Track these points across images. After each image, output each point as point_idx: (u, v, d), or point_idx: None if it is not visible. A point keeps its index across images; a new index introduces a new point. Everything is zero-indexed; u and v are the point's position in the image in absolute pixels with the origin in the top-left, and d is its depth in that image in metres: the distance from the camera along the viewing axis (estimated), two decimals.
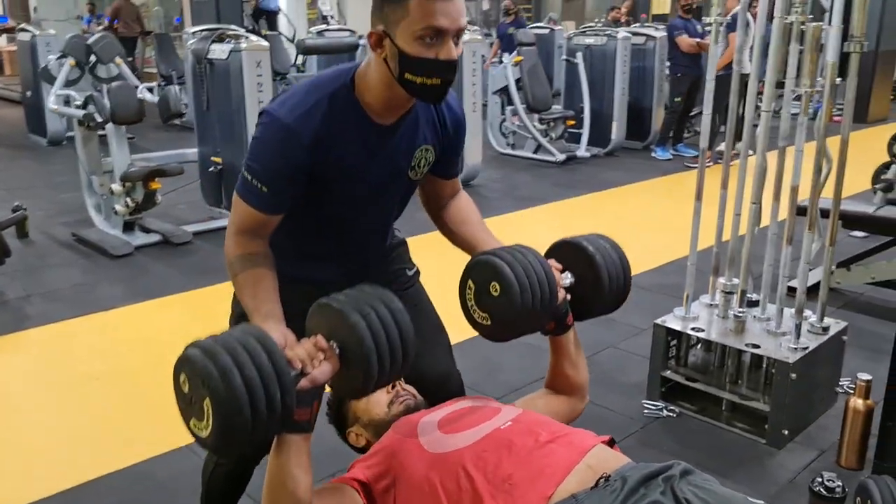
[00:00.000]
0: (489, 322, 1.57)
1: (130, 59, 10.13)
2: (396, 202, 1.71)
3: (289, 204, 1.53)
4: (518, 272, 1.49)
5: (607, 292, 1.68)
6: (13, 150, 7.80)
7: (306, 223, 1.62)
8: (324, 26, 9.82)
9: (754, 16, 3.11)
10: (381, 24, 1.39)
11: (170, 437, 2.42)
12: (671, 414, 2.64)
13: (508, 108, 7.42)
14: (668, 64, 7.39)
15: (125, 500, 2.24)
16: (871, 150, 5.21)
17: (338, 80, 1.50)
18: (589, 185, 6.32)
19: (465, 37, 3.24)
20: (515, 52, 7.38)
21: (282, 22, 11.12)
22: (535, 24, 11.91)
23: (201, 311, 3.68)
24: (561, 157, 7.05)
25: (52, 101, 4.90)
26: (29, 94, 7.98)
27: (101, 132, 4.63)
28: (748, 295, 2.69)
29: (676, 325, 2.69)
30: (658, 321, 2.71)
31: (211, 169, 4.97)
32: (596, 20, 14.91)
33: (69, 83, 5.13)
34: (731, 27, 5.84)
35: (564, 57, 7.76)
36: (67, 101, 4.75)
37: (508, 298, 1.48)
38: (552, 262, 1.63)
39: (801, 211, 2.58)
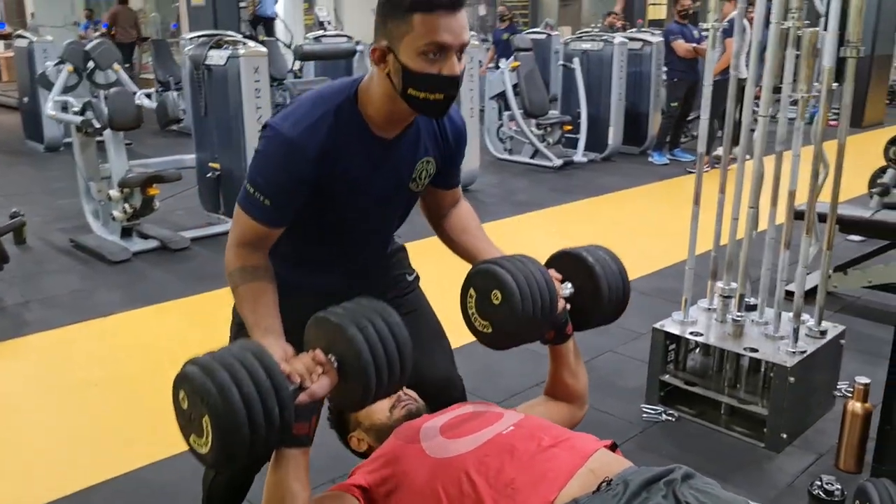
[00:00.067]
0: (490, 330, 1.58)
1: (128, 65, 10.14)
2: (398, 213, 1.72)
3: (291, 217, 1.54)
4: (520, 281, 1.50)
5: (606, 303, 1.70)
6: (10, 157, 7.79)
7: (308, 232, 1.62)
8: (321, 32, 9.83)
9: (750, 21, 3.13)
10: (385, 40, 1.40)
11: (169, 443, 2.41)
12: (670, 418, 2.65)
13: (505, 114, 7.44)
14: (664, 69, 7.42)
15: None
16: (867, 155, 5.22)
17: (341, 93, 1.51)
18: (586, 190, 6.33)
19: None
20: (512, 57, 7.39)
21: (279, 27, 11.14)
22: (531, 30, 11.94)
23: (199, 317, 3.68)
24: (558, 162, 7.07)
25: (49, 107, 4.90)
26: (26, 100, 7.98)
27: (98, 138, 4.63)
28: (746, 299, 2.69)
29: (675, 330, 2.70)
30: (657, 325, 2.72)
31: (209, 175, 4.98)
32: (592, 25, 14.97)
33: (67, 89, 5.13)
34: (727, 32, 5.87)
35: (561, 62, 7.78)
36: (65, 107, 4.75)
37: (510, 307, 1.50)
38: (552, 273, 1.64)
39: (798, 215, 2.58)
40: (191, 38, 5.91)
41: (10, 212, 4.72)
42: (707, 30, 2.68)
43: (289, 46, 10.21)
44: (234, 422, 1.18)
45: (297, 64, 9.60)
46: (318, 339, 1.40)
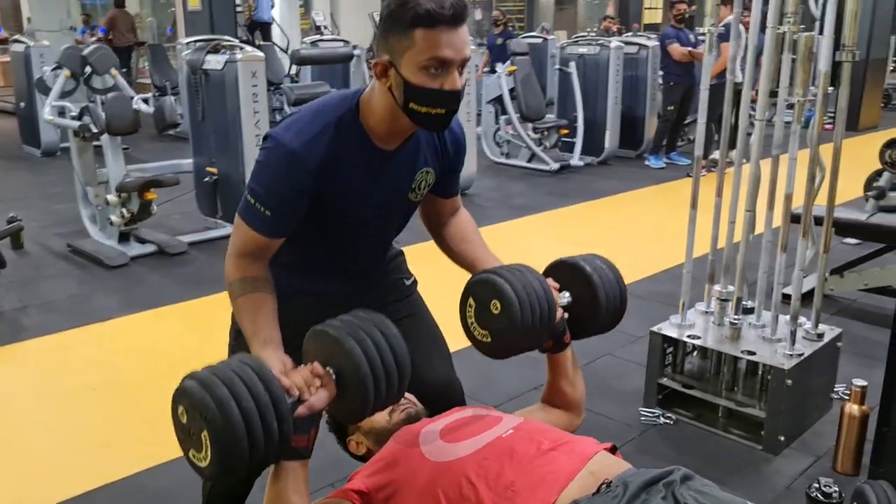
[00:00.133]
0: (489, 339, 1.59)
1: (125, 69, 10.13)
2: (397, 222, 1.74)
3: (292, 227, 1.54)
4: (518, 291, 1.51)
5: (604, 312, 1.71)
6: (7, 162, 7.78)
7: (308, 240, 1.63)
8: (317, 36, 9.85)
9: (746, 26, 3.15)
10: (387, 55, 1.41)
11: (167, 447, 2.40)
12: (668, 421, 2.65)
13: (502, 118, 7.46)
14: (660, 73, 7.44)
15: None
16: (863, 158, 5.25)
17: (343, 105, 1.51)
18: (583, 193, 6.34)
19: None
20: (509, 61, 7.41)
21: (275, 32, 11.15)
22: (527, 34, 11.97)
23: (197, 322, 3.68)
24: (555, 165, 7.09)
25: (47, 112, 4.89)
26: (23, 105, 7.97)
27: (96, 143, 4.63)
28: (743, 302, 2.70)
29: (672, 333, 2.70)
30: (654, 329, 2.73)
31: (206, 179, 4.98)
32: (588, 30, 15.01)
33: (64, 94, 5.12)
34: (723, 37, 5.90)
35: (558, 66, 7.80)
36: (62, 112, 4.75)
37: (509, 316, 1.51)
38: (549, 282, 1.65)
39: (795, 218, 2.60)
40: (188, 43, 5.94)
41: (7, 217, 4.72)
42: (703, 34, 2.68)
43: (285, 51, 10.24)
44: (232, 436, 1.19)
45: (294, 68, 9.62)
46: (316, 351, 1.41)
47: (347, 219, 1.61)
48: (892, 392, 2.16)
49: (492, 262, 1.73)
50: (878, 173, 4.82)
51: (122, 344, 3.42)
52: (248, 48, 4.88)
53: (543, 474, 1.32)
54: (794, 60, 2.46)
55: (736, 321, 2.64)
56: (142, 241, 4.71)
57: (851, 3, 2.35)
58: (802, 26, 2.48)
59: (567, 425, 1.76)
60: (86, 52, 5.01)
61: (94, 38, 10.67)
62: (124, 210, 4.54)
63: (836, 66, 2.43)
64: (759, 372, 2.58)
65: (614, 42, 7.56)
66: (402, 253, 1.92)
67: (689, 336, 2.68)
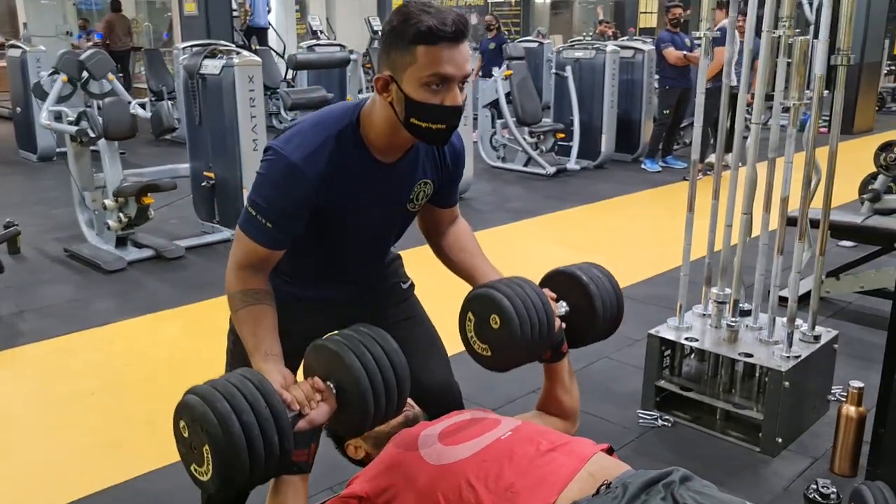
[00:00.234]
0: (489, 353, 1.60)
1: (122, 74, 10.14)
2: (396, 231, 1.75)
3: (292, 239, 1.55)
4: (517, 305, 1.52)
5: (601, 321, 1.72)
6: (3, 167, 7.77)
7: (307, 250, 1.63)
8: (314, 41, 9.87)
9: (739, 31, 3.17)
10: (388, 70, 1.42)
11: (166, 452, 2.40)
12: (666, 423, 2.66)
13: (499, 122, 7.47)
14: (656, 77, 7.47)
15: None
16: (858, 161, 5.27)
17: (344, 118, 1.52)
18: (579, 197, 6.36)
19: None
20: (505, 65, 7.43)
21: (271, 37, 11.17)
22: (523, 38, 12.01)
23: (194, 326, 3.68)
24: (551, 169, 7.10)
25: (44, 117, 4.90)
26: (19, 110, 7.97)
27: (93, 148, 4.64)
28: (740, 305, 2.72)
29: (670, 335, 2.71)
30: (652, 331, 2.73)
31: (203, 184, 4.99)
32: (584, 34, 15.05)
33: (61, 99, 5.13)
34: (717, 41, 5.92)
35: (554, 70, 7.82)
36: (59, 117, 4.75)
37: (508, 331, 1.52)
38: (547, 292, 1.66)
39: (791, 221, 2.61)
40: (184, 48, 5.94)
41: (3, 222, 4.72)
42: (699, 38, 2.70)
43: (282, 56, 10.25)
44: (234, 450, 1.20)
45: (291, 73, 9.64)
46: (316, 366, 1.43)
47: (347, 229, 1.62)
48: (888, 394, 2.17)
49: (490, 273, 1.74)
50: (873, 176, 4.84)
51: (119, 348, 3.42)
52: (245, 53, 4.88)
53: (543, 475, 1.33)
54: (789, 64, 2.48)
55: (733, 324, 2.64)
56: (139, 245, 4.71)
57: (846, 7, 2.36)
58: (797, 30, 2.49)
59: (563, 433, 1.76)
60: (83, 56, 5.02)
61: (90, 43, 10.67)
62: (121, 215, 4.54)
63: (830, 70, 2.45)
64: (757, 374, 2.59)
65: (610, 46, 7.58)
66: (399, 257, 1.93)
67: (686, 339, 2.69)
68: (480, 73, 9.23)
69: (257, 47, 10.10)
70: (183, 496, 2.17)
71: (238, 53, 4.80)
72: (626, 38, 10.41)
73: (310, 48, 9.19)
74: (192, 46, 5.76)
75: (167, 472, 2.38)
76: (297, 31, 14.49)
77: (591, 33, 14.72)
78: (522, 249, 4.93)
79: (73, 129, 4.51)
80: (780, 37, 2.48)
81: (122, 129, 4.48)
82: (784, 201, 2.55)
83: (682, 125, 7.68)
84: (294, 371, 1.74)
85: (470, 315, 1.61)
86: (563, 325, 1.69)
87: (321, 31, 10.80)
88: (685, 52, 6.96)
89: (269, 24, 11.06)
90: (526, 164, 7.40)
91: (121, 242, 4.66)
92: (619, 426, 2.65)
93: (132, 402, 2.91)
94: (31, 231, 5.08)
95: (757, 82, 2.55)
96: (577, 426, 1.82)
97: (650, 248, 4.80)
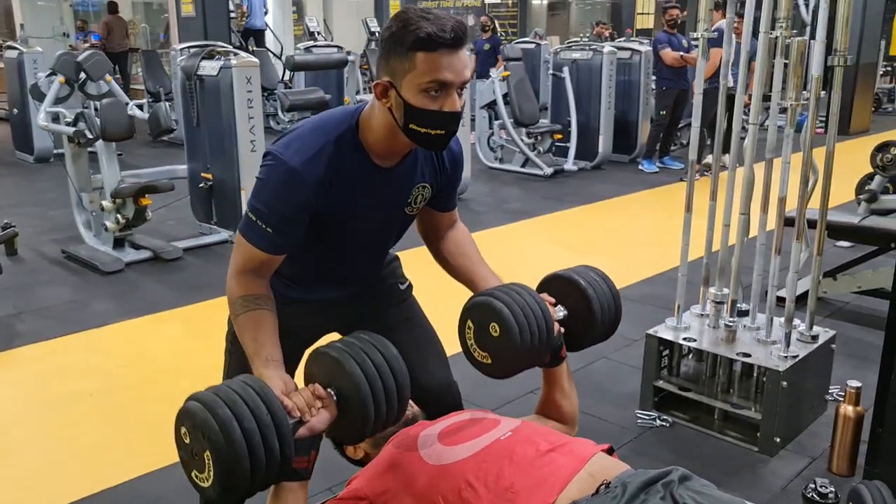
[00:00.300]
0: (489, 361, 1.60)
1: (120, 75, 10.13)
2: (394, 234, 1.76)
3: (292, 244, 1.56)
4: (516, 312, 1.53)
5: (599, 324, 1.73)
6: (0, 168, 7.76)
7: (306, 253, 1.64)
8: (311, 42, 9.87)
9: (736, 32, 3.17)
10: (387, 76, 1.42)
11: (164, 453, 2.41)
12: (664, 423, 2.66)
13: (496, 123, 7.48)
14: (653, 78, 7.48)
15: None
16: (854, 162, 5.29)
17: (343, 123, 1.53)
18: (577, 198, 6.36)
19: None
20: (502, 66, 7.44)
21: (268, 38, 11.16)
22: (520, 39, 12.01)
23: (193, 327, 3.68)
24: (549, 170, 7.11)
25: (41, 118, 4.89)
26: (15, 111, 7.96)
27: (90, 149, 4.63)
28: (738, 305, 2.72)
29: (668, 336, 2.72)
30: (650, 331, 2.74)
31: (201, 185, 4.99)
32: (581, 35, 15.07)
33: (59, 100, 5.12)
34: (713, 42, 5.93)
35: (551, 71, 7.83)
36: (57, 118, 4.74)
37: (508, 338, 1.53)
38: (545, 297, 1.67)
39: (788, 221, 2.62)
40: (182, 49, 5.93)
41: (1, 223, 4.71)
42: (696, 39, 2.70)
43: (279, 57, 10.25)
44: (235, 457, 1.20)
45: (288, 74, 9.64)
46: (317, 373, 1.43)
47: (346, 234, 1.63)
48: (886, 393, 2.18)
49: (489, 278, 1.75)
50: (870, 177, 4.86)
51: (117, 350, 3.41)
52: (243, 54, 4.88)
53: (543, 475, 1.33)
54: (786, 65, 2.49)
55: (731, 324, 2.65)
56: (137, 246, 4.70)
57: (843, 8, 2.37)
58: (794, 31, 2.50)
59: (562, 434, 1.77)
60: (80, 58, 5.02)
61: (87, 45, 10.67)
62: (119, 216, 4.54)
63: (827, 71, 2.46)
64: (755, 374, 2.59)
65: (607, 47, 7.60)
66: (397, 258, 1.93)
67: (684, 339, 2.70)
68: (476, 75, 9.24)
69: (254, 49, 10.10)
70: (181, 498, 2.17)
71: (236, 55, 4.80)
72: (622, 39, 10.42)
73: (307, 49, 9.20)
74: (189, 47, 5.75)
75: (165, 473, 2.38)
76: (295, 32, 14.50)
77: (587, 34, 14.74)
78: (520, 250, 4.94)
79: (71, 130, 4.51)
80: (777, 37, 2.48)
81: (120, 131, 4.47)
82: (781, 202, 2.56)
83: (679, 126, 7.69)
84: (294, 368, 1.75)
85: (469, 323, 1.62)
86: (562, 329, 1.69)
87: (318, 33, 10.80)
88: (682, 53, 6.97)
89: (266, 25, 11.06)
90: (523, 165, 7.41)
91: (118, 244, 4.65)
92: (617, 426, 2.65)
93: (130, 403, 2.90)
94: (28, 232, 5.08)
95: (754, 83, 2.56)
96: (576, 430, 1.82)
97: (648, 248, 4.81)
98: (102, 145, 4.50)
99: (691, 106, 2.72)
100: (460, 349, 1.69)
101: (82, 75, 4.96)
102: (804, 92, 2.49)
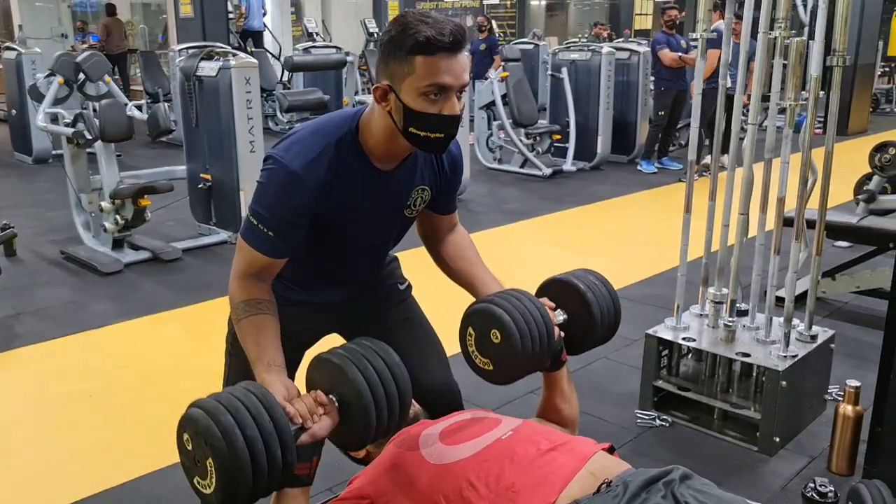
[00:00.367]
0: (491, 367, 1.61)
1: (117, 76, 10.13)
2: (393, 236, 1.76)
3: (293, 247, 1.56)
4: (517, 319, 1.53)
5: (599, 328, 1.73)
6: None
7: (306, 256, 1.64)
8: (310, 43, 9.87)
9: (734, 33, 3.17)
10: (387, 80, 1.43)
11: (164, 453, 2.41)
12: (664, 423, 2.67)
13: (495, 123, 7.49)
14: (651, 78, 7.49)
15: None
16: (853, 162, 5.30)
17: (342, 126, 1.53)
18: (576, 198, 6.37)
19: None
20: (501, 67, 7.45)
21: (267, 39, 11.16)
22: (519, 40, 12.03)
23: (192, 328, 3.68)
24: (547, 171, 7.11)
25: (40, 119, 4.89)
26: (14, 112, 7.95)
27: (89, 150, 4.63)
28: (737, 305, 2.72)
29: (668, 335, 2.72)
30: (649, 331, 2.74)
31: (200, 186, 4.99)
32: (579, 36, 15.08)
33: (57, 101, 5.13)
34: (711, 43, 5.95)
35: (550, 72, 7.84)
36: (55, 119, 4.74)
37: (510, 345, 1.53)
38: (545, 301, 1.67)
39: (787, 222, 2.62)
40: (180, 50, 5.94)
41: None
42: (695, 39, 2.71)
43: (277, 58, 10.25)
44: (237, 464, 1.21)
45: (287, 75, 9.64)
46: (319, 379, 1.43)
47: (346, 236, 1.63)
48: (885, 393, 2.18)
49: (489, 282, 1.75)
50: (868, 177, 4.86)
51: (116, 351, 3.41)
52: (242, 54, 4.89)
53: (544, 474, 1.34)
54: (784, 66, 2.49)
55: (730, 323, 2.65)
56: (136, 247, 4.70)
57: (842, 8, 2.38)
58: (793, 31, 2.50)
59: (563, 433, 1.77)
60: (79, 58, 5.02)
61: (85, 46, 10.67)
62: (118, 217, 4.54)
63: (826, 71, 2.46)
64: (754, 374, 2.60)
65: (606, 48, 7.60)
66: (396, 259, 1.94)
67: (684, 338, 2.70)
68: (472, 75, 9.25)
69: (252, 50, 10.10)
70: (181, 498, 2.17)
71: (234, 55, 4.80)
72: (621, 39, 10.43)
73: (306, 50, 9.20)
74: (187, 48, 5.76)
75: (165, 473, 2.38)
76: (293, 33, 14.49)
77: (586, 35, 14.76)
78: (519, 251, 4.94)
79: (70, 130, 4.51)
80: (776, 38, 2.49)
81: (119, 131, 4.47)
82: (780, 202, 2.57)
83: (678, 126, 7.70)
84: (294, 370, 1.75)
85: (470, 330, 1.62)
86: (562, 333, 1.69)
87: (317, 34, 10.80)
88: (680, 54, 6.98)
89: (265, 26, 11.06)
90: (522, 166, 7.41)
91: (117, 244, 4.65)
92: (617, 426, 2.66)
93: (129, 404, 2.90)
94: (27, 233, 5.07)
95: (753, 83, 2.56)
96: (576, 434, 1.82)
97: (647, 248, 4.81)
98: (101, 146, 4.50)
99: (690, 106, 2.72)
100: (460, 350, 1.69)
101: (81, 76, 4.96)
102: (803, 92, 2.49)
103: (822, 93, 2.52)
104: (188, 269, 4.53)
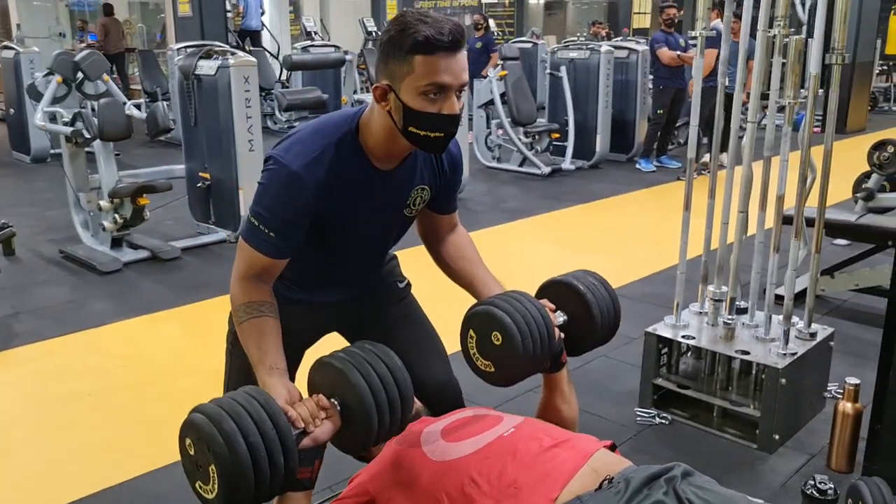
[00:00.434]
0: (492, 369, 1.61)
1: (114, 76, 10.13)
2: (393, 236, 1.76)
3: (294, 248, 1.56)
4: (518, 321, 1.54)
5: (599, 329, 1.73)
6: None
7: (307, 256, 1.64)
8: (308, 42, 9.86)
9: (734, 33, 3.18)
10: (386, 79, 1.43)
11: (164, 452, 2.41)
12: (663, 421, 2.67)
13: (494, 122, 7.48)
14: (650, 77, 7.49)
15: None
16: (851, 161, 5.30)
17: (342, 126, 1.53)
18: (575, 197, 6.37)
19: None
20: (499, 66, 7.44)
21: (265, 37, 11.16)
22: (517, 38, 12.02)
23: (191, 327, 3.68)
24: (546, 169, 7.12)
25: (38, 118, 4.89)
26: (12, 111, 7.94)
27: (88, 149, 4.63)
28: (737, 302, 2.73)
29: (667, 333, 2.72)
30: (649, 329, 2.74)
31: (199, 185, 4.98)
32: (577, 34, 15.08)
33: (56, 100, 5.12)
34: (709, 41, 5.95)
35: (549, 71, 7.84)
36: (54, 118, 4.74)
37: (511, 347, 1.53)
38: (545, 303, 1.68)
39: (786, 220, 2.62)
40: (179, 49, 5.93)
41: None
42: (694, 38, 2.71)
43: (276, 57, 10.25)
44: (239, 471, 1.21)
45: (286, 74, 9.63)
46: (321, 383, 1.43)
47: (346, 236, 1.63)
48: (884, 390, 2.19)
49: (490, 282, 1.75)
50: (867, 175, 4.88)
51: (115, 350, 3.41)
52: (241, 53, 4.88)
53: (546, 471, 1.34)
54: (783, 64, 2.49)
55: (730, 321, 2.66)
56: (134, 246, 4.70)
57: (841, 6, 2.38)
58: (792, 29, 2.51)
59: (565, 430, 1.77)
60: (78, 57, 5.01)
61: (83, 45, 10.67)
62: (117, 216, 4.53)
63: (824, 70, 2.46)
64: (753, 371, 2.60)
65: (604, 46, 7.60)
66: (395, 257, 1.94)
67: (683, 336, 2.71)
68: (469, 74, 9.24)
69: (251, 49, 10.10)
70: (180, 497, 2.17)
71: (233, 54, 4.80)
72: (619, 38, 10.43)
73: (304, 49, 9.19)
74: (186, 47, 5.75)
75: (164, 472, 2.38)
76: (292, 32, 14.49)
77: (584, 34, 14.76)
78: (518, 249, 4.94)
79: (69, 129, 4.50)
80: (775, 36, 2.49)
81: (118, 130, 4.47)
82: (780, 200, 2.57)
83: (677, 125, 7.70)
84: (295, 369, 1.75)
85: (471, 332, 1.62)
86: (562, 335, 1.70)
87: (315, 32, 10.79)
88: (678, 53, 6.98)
89: (263, 25, 11.05)
90: (521, 165, 7.41)
91: (116, 243, 4.65)
92: (616, 424, 2.66)
93: (128, 403, 2.90)
94: (25, 232, 5.06)
95: (752, 81, 2.56)
96: None
97: (646, 247, 4.82)
98: (100, 145, 4.50)
99: (688, 105, 2.73)
100: (460, 349, 1.69)
101: (80, 75, 4.95)
102: (802, 90, 2.49)
103: (820, 91, 2.52)
104: (187, 268, 4.53)
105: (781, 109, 2.53)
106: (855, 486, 1.81)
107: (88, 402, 2.91)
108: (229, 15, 9.87)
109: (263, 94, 8.87)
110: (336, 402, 1.40)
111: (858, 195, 4.80)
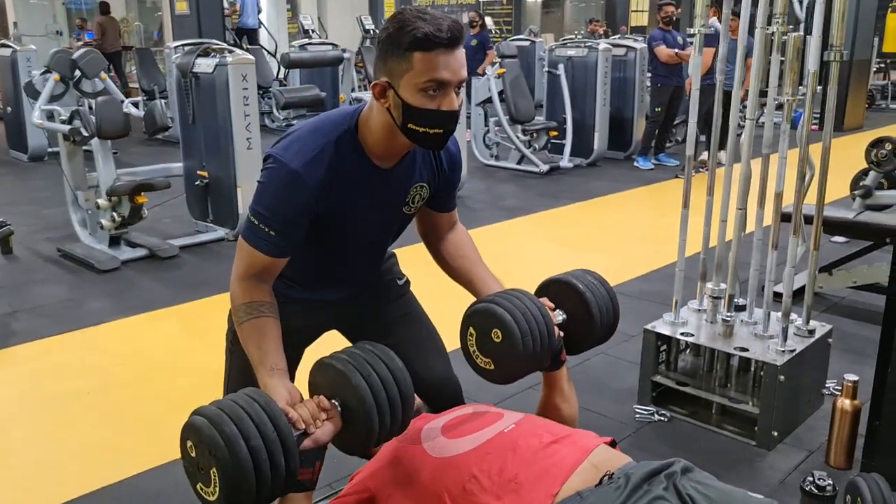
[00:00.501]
0: (492, 367, 1.61)
1: (112, 74, 10.12)
2: (392, 233, 1.76)
3: (293, 247, 1.56)
4: (518, 318, 1.54)
5: (598, 327, 1.74)
6: None
7: (306, 254, 1.64)
8: (306, 40, 9.86)
9: (732, 31, 3.18)
10: (385, 76, 1.43)
11: (162, 450, 2.41)
12: (662, 418, 2.67)
13: (492, 120, 7.48)
14: (648, 75, 7.49)
15: None
16: (849, 158, 5.30)
17: (342, 124, 1.53)
18: (573, 194, 6.37)
19: None
20: (497, 64, 7.44)
21: (262, 36, 11.15)
22: (515, 36, 12.02)
23: (190, 325, 3.67)
24: (544, 167, 7.12)
25: (36, 116, 4.88)
26: (9, 109, 7.93)
27: (85, 147, 4.62)
28: (735, 300, 2.73)
29: (666, 331, 2.72)
30: (648, 327, 2.75)
31: (197, 183, 4.98)
32: (575, 32, 15.08)
33: (53, 98, 5.11)
34: (707, 39, 5.95)
35: (546, 68, 7.84)
36: (51, 116, 4.73)
37: (511, 344, 1.53)
38: (544, 301, 1.68)
39: (785, 217, 2.63)
40: (176, 47, 5.93)
41: None
42: (692, 35, 2.71)
43: (273, 55, 10.24)
44: (241, 473, 1.21)
45: (283, 72, 9.63)
46: (322, 384, 1.43)
47: (346, 235, 1.63)
48: (882, 387, 2.20)
49: (489, 280, 1.75)
50: (865, 172, 4.88)
51: (113, 348, 3.41)
52: (239, 51, 4.88)
53: (546, 467, 1.34)
54: (782, 61, 2.49)
55: (728, 318, 2.66)
56: (133, 244, 4.69)
57: (839, 4, 2.38)
58: (790, 27, 2.51)
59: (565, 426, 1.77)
60: (75, 56, 5.00)
61: (80, 43, 10.65)
62: (115, 214, 4.53)
63: (822, 67, 2.47)
64: (752, 368, 2.60)
65: (602, 44, 7.60)
66: (394, 255, 1.94)
67: (682, 334, 2.71)
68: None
69: (248, 47, 10.09)
70: (179, 495, 2.17)
71: (231, 52, 4.79)
72: (617, 36, 10.44)
73: (302, 47, 9.19)
74: (184, 45, 5.74)
75: (164, 470, 2.38)
76: (289, 30, 14.47)
77: (582, 32, 14.76)
78: (516, 247, 4.94)
79: (66, 128, 4.49)
80: (773, 33, 2.49)
81: (116, 128, 4.45)
82: (778, 197, 2.57)
83: (675, 123, 7.71)
84: (295, 367, 1.75)
85: (471, 330, 1.63)
86: (562, 333, 1.70)
87: (313, 30, 10.79)
88: (676, 51, 6.98)
89: (260, 23, 11.04)
90: (519, 162, 7.42)
91: (114, 242, 4.64)
92: (615, 421, 2.66)
93: (127, 401, 2.90)
94: (23, 231, 5.05)
95: (751, 79, 2.57)
96: None
97: (644, 244, 4.82)
98: (98, 143, 4.49)
99: (686, 102, 2.73)
100: (459, 346, 1.70)
101: (77, 73, 4.94)
102: (800, 87, 2.49)
103: (818, 88, 2.52)
104: (185, 267, 4.52)
105: (780, 107, 2.53)
106: (853, 483, 1.82)
107: (87, 400, 2.91)
108: (226, 12, 9.85)
109: (261, 92, 8.87)
110: (337, 403, 1.40)
111: (856, 192, 4.81)
